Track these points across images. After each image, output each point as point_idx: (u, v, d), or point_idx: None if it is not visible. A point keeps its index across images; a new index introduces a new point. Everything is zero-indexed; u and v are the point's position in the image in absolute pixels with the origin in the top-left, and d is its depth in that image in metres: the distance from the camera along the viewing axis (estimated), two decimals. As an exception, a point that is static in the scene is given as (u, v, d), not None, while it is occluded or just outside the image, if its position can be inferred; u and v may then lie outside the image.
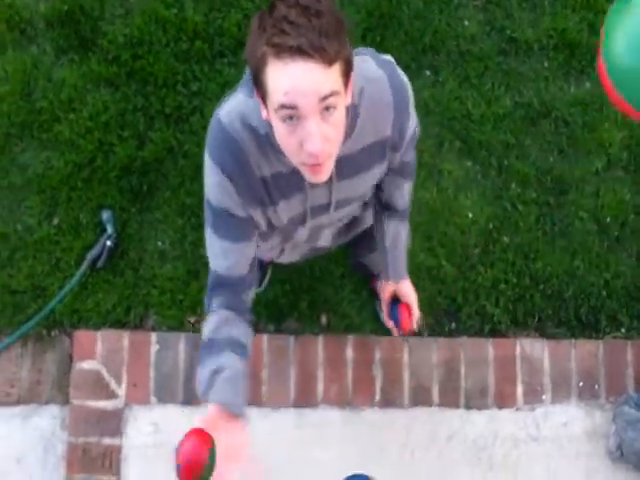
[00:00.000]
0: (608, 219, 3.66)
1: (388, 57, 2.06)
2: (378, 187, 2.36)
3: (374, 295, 3.48)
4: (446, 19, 3.92)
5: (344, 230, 2.62)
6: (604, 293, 3.56)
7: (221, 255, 2.12)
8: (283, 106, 1.64)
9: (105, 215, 3.52)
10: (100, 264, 3.47)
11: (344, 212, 2.30)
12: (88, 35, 3.83)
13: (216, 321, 2.12)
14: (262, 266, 3.49)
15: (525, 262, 3.58)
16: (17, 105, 3.71)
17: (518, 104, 3.82)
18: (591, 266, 3.59)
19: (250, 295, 2.23)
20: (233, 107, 1.93)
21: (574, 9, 3.96)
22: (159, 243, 3.56)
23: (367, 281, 3.50)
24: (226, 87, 3.73)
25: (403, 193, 2.41)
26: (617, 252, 3.63)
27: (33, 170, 3.63)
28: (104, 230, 3.52)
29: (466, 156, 3.73)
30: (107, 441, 3.19)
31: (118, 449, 3.18)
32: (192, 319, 3.41)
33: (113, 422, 3.20)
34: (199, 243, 3.43)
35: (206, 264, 2.20)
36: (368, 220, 2.60)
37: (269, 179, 1.99)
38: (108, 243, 3.47)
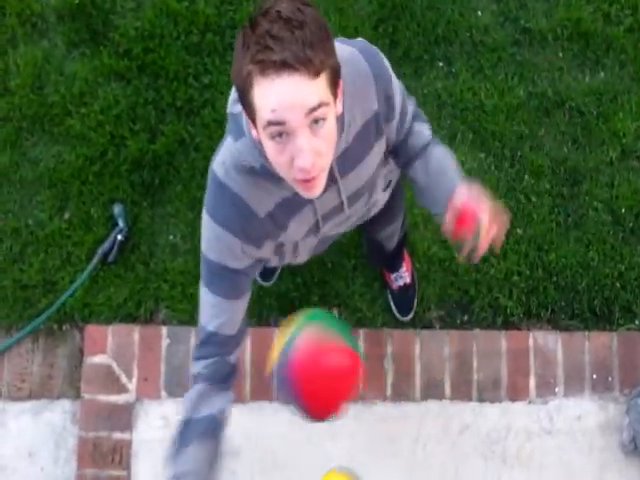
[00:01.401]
0: (623, 210, 3.62)
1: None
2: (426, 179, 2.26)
3: (386, 288, 3.47)
4: (459, 9, 3.89)
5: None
6: (618, 285, 3.53)
7: (212, 311, 2.11)
8: (270, 123, 1.61)
9: (116, 209, 3.53)
10: (111, 258, 3.48)
11: (356, 208, 2.27)
12: (99, 28, 3.84)
13: (194, 398, 2.14)
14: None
15: (538, 254, 3.55)
16: (28, 99, 3.72)
17: (532, 95, 3.79)
18: (605, 257, 3.56)
19: (237, 355, 2.21)
20: (225, 155, 1.93)
21: (589, -1, 3.93)
22: (170, 237, 3.56)
23: (379, 274, 3.49)
24: (237, 80, 3.72)
25: (418, 134, 2.26)
26: (632, 243, 3.59)
27: (44, 164, 3.64)
28: (115, 224, 3.52)
29: (479, 147, 3.71)
30: (118, 435, 3.19)
31: (128, 444, 3.19)
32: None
33: (124, 416, 3.21)
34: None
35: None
36: (381, 203, 2.54)
37: (274, 210, 1.99)
38: (119, 237, 3.48)
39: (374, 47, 2.02)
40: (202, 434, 2.13)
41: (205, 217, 1.99)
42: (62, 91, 3.73)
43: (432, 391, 3.27)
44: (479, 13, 3.91)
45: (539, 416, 3.26)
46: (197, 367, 2.16)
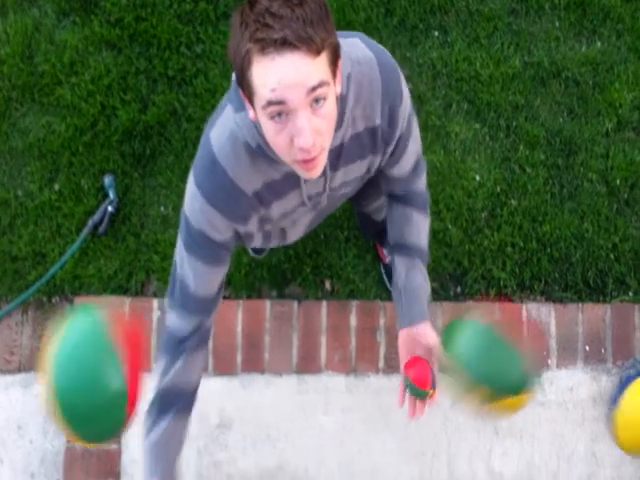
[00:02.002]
0: (618, 181, 3.60)
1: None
2: (387, 225, 2.34)
3: (378, 260, 3.45)
4: (455, -23, 3.85)
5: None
6: (612, 256, 3.52)
7: (191, 270, 2.08)
8: (271, 103, 1.59)
9: (107, 180, 3.50)
10: (101, 230, 3.45)
11: (340, 194, 2.25)
12: (90, -3, 3.80)
13: (171, 375, 2.15)
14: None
15: (532, 225, 3.53)
16: (18, 68, 3.68)
17: (528, 64, 3.76)
18: (600, 229, 3.55)
19: (211, 318, 2.20)
20: (223, 127, 1.89)
21: (585, -33, 3.89)
22: (161, 208, 3.53)
23: (372, 245, 3.47)
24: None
25: (415, 228, 2.31)
26: (626, 215, 3.58)
27: (34, 135, 3.61)
28: (106, 195, 3.50)
29: (474, 118, 3.68)
30: (108, 408, 3.18)
31: (119, 416, 3.17)
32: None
33: (114, 389, 3.19)
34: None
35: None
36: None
37: (262, 189, 1.96)
38: (110, 209, 3.45)
39: (392, 59, 1.98)
40: (181, 409, 2.18)
41: (192, 185, 1.95)
42: (52, 60, 3.69)
43: (424, 363, 3.25)
44: (475, -18, 3.87)
45: (532, 388, 3.25)
46: (176, 323, 2.14)
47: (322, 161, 1.76)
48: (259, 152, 1.85)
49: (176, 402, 2.17)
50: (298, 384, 3.20)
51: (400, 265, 2.31)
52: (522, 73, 3.74)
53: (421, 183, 2.31)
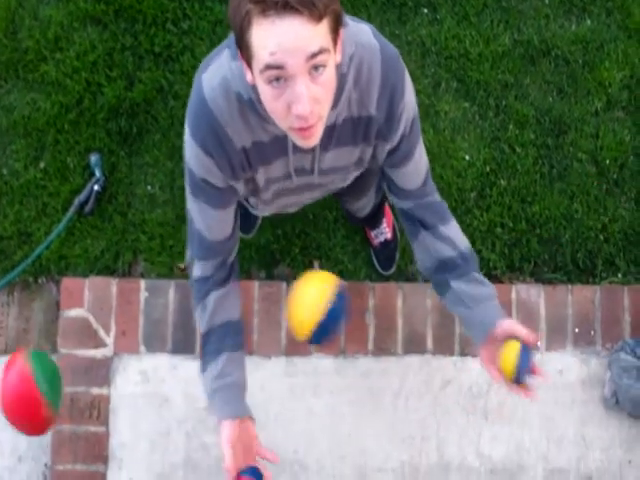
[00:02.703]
0: (607, 161, 3.59)
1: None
2: (422, 256, 2.29)
3: (367, 241, 3.43)
4: (444, -47, 3.81)
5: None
6: (601, 237, 3.51)
7: (201, 217, 2.09)
8: (269, 66, 1.56)
9: (93, 158, 3.46)
10: (88, 209, 3.42)
11: (326, 182, 2.21)
12: (75, -30, 3.74)
13: (210, 310, 2.18)
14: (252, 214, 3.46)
15: (522, 206, 3.52)
16: (1, 44, 3.64)
17: (517, 42, 3.74)
18: (589, 209, 3.53)
19: (234, 255, 2.22)
20: (216, 72, 1.85)
21: (577, -57, 3.86)
22: (148, 187, 3.50)
23: (360, 228, 3.45)
24: (217, 26, 3.65)
25: (449, 239, 2.23)
26: (615, 195, 3.57)
27: (19, 112, 3.56)
28: (92, 174, 3.46)
29: (463, 96, 3.66)
30: (95, 391, 3.15)
31: (107, 399, 3.15)
32: (182, 265, 3.36)
33: (102, 371, 3.16)
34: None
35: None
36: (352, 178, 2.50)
37: (250, 147, 1.93)
38: (96, 187, 3.42)
39: (398, 56, 1.94)
40: (230, 343, 2.20)
41: (187, 131, 1.93)
42: (37, 36, 3.64)
43: (414, 345, 3.24)
44: (465, -42, 3.83)
45: (521, 370, 3.25)
46: (200, 270, 2.18)
47: (319, 130, 1.74)
48: (250, 106, 1.82)
49: (225, 336, 2.20)
50: (287, 366, 3.19)
51: (459, 287, 2.22)
52: (512, 51, 3.72)
53: (437, 195, 2.26)
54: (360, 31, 1.87)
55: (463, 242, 2.25)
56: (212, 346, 2.19)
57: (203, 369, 2.21)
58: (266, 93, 1.64)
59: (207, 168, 1.94)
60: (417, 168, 2.16)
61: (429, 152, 3.44)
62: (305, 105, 1.60)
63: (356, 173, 2.23)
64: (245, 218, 3.45)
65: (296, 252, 3.44)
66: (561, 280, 3.44)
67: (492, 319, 2.15)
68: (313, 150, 1.96)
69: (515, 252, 3.47)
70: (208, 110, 1.85)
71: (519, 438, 3.19)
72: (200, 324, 2.21)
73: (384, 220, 3.40)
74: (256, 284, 3.26)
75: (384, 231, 3.40)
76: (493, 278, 3.42)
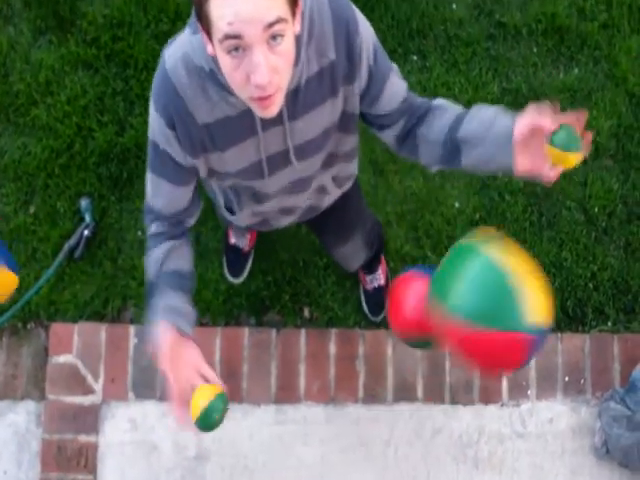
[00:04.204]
0: (596, 209, 3.61)
1: None
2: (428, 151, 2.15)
3: (358, 285, 3.44)
4: (434, 2, 3.86)
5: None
6: (591, 285, 3.52)
7: (157, 192, 2.08)
8: (227, 36, 1.56)
9: (83, 203, 3.46)
10: (78, 254, 3.41)
11: (307, 169, 2.16)
12: (67, 15, 3.76)
13: (160, 257, 2.11)
14: (243, 255, 3.44)
15: (512, 253, 3.52)
16: (-7, 88, 3.63)
17: (506, 90, 3.76)
18: (578, 257, 3.54)
19: (192, 221, 2.21)
20: (178, 47, 1.85)
21: (563, -7, 3.90)
22: (139, 232, 3.49)
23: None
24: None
25: (442, 107, 2.08)
26: (604, 243, 3.58)
27: (9, 156, 3.56)
28: (82, 219, 3.45)
29: (453, 143, 3.67)
30: (83, 438, 3.13)
31: (94, 447, 3.13)
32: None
33: (90, 418, 3.15)
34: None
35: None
36: (333, 197, 2.46)
37: (213, 125, 1.92)
38: (86, 232, 3.41)
39: None
40: (177, 284, 2.11)
41: (151, 105, 1.93)
42: (28, 80, 3.65)
43: (404, 393, 3.24)
44: (454, 6, 3.87)
45: (511, 419, 3.24)
46: (154, 227, 2.15)
47: (279, 100, 1.73)
48: (212, 80, 1.81)
49: (173, 282, 2.11)
50: (276, 414, 3.18)
51: (464, 129, 2.01)
52: (500, 99, 3.74)
53: (420, 99, 2.14)
54: None
55: (455, 105, 2.10)
56: (159, 288, 2.10)
57: (150, 304, 2.09)
58: (226, 63, 1.64)
59: (169, 140, 1.93)
60: (396, 90, 2.06)
61: (419, 199, 3.50)
62: (263, 75, 1.60)
63: (332, 147, 2.16)
64: (235, 261, 3.45)
65: (286, 299, 3.43)
66: (551, 328, 3.43)
67: (508, 128, 1.88)
68: (282, 123, 1.94)
69: (505, 300, 3.47)
70: (170, 83, 1.85)
71: (509, 488, 3.19)
72: (148, 271, 2.14)
73: (380, 267, 3.40)
74: (246, 331, 3.26)
75: (379, 277, 3.41)
76: (483, 326, 3.42)
